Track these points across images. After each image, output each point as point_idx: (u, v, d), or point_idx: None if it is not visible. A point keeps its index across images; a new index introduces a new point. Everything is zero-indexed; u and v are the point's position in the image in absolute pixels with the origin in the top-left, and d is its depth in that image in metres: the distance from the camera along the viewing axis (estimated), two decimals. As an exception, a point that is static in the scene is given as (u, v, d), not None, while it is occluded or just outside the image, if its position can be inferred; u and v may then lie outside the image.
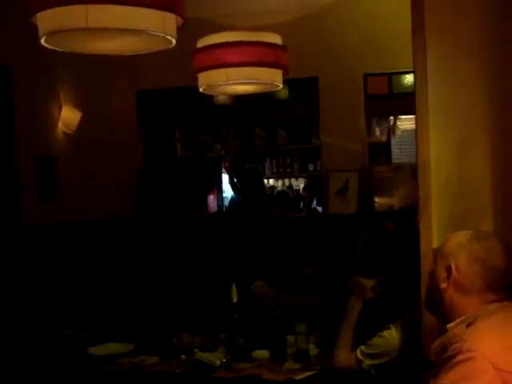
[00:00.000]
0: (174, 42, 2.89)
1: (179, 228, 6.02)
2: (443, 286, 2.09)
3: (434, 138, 2.59)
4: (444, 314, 2.10)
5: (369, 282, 3.03)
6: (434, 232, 2.50)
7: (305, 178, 9.18)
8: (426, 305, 2.25)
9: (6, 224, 5.45)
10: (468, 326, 1.97)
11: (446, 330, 2.06)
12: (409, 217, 4.48)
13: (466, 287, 2.06)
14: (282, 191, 9.13)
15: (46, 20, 2.71)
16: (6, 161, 5.75)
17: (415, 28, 2.62)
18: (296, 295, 3.92)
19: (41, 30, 2.76)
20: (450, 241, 2.17)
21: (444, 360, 1.89)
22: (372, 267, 3.25)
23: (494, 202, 2.51)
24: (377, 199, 6.76)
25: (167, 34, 2.80)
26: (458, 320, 2.04)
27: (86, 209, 6.55)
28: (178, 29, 2.87)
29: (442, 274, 2.10)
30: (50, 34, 2.77)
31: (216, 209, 7.71)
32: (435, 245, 2.42)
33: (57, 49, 2.97)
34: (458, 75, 2.60)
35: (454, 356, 1.86)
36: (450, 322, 2.06)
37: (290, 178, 9.41)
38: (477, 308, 2.02)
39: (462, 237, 2.15)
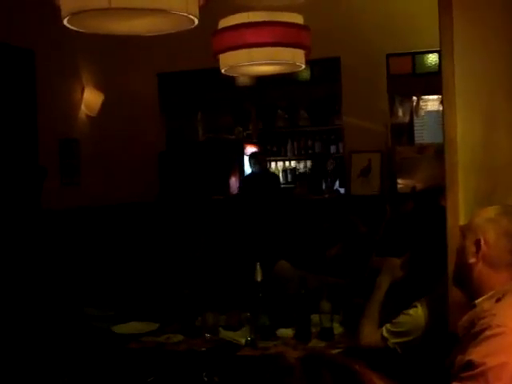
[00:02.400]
0: (196, 21, 2.87)
1: (201, 210, 6.03)
2: (472, 260, 2.08)
3: (460, 116, 2.57)
4: (472, 289, 2.10)
5: (397, 261, 3.03)
6: (460, 209, 2.49)
7: (327, 159, 9.16)
8: (455, 281, 2.24)
9: (29, 207, 5.49)
10: (497, 300, 1.96)
11: (474, 306, 2.05)
12: (430, 198, 4.46)
13: (495, 261, 2.05)
14: (302, 173, 9.13)
15: (69, 0, 2.70)
16: (30, 144, 5.79)
17: (442, 5, 2.59)
18: (319, 276, 3.92)
19: (63, 11, 2.75)
20: (479, 216, 2.16)
21: (472, 335, 1.88)
22: (396, 247, 3.25)
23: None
24: (400, 180, 6.72)
25: (190, 14, 2.78)
26: (487, 295, 2.03)
27: (108, 191, 6.58)
28: (200, 8, 2.86)
29: (471, 248, 2.09)
30: (73, 15, 2.75)
31: (238, 190, 7.73)
32: (462, 221, 2.41)
33: (79, 30, 2.95)
34: (485, 52, 2.57)
35: (483, 331, 1.85)
36: (478, 298, 2.05)
37: (311, 159, 9.40)
38: (505, 283, 2.02)
39: (490, 212, 2.14)
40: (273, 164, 9.67)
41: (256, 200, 6.69)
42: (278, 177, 8.82)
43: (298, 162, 9.53)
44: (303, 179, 8.47)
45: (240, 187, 7.61)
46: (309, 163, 9.37)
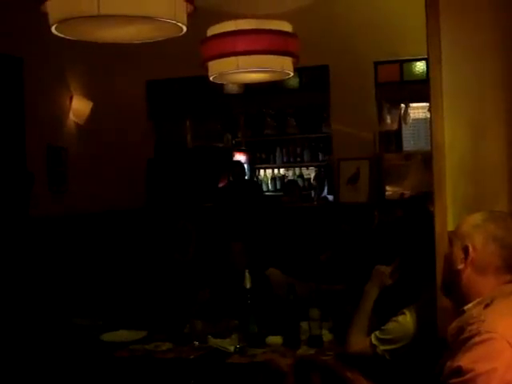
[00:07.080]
0: (184, 28, 2.87)
1: (190, 217, 6.02)
2: (460, 267, 2.08)
3: (448, 122, 2.58)
4: (461, 296, 2.09)
5: (386, 269, 3.02)
6: (448, 215, 2.50)
7: (315, 167, 9.18)
8: (443, 288, 2.24)
9: (16, 214, 5.47)
10: (486, 306, 1.96)
11: (463, 312, 2.05)
12: (419, 204, 4.48)
13: (483, 267, 2.05)
14: (291, 180, 9.13)
15: (57, 7, 2.68)
16: (18, 151, 5.77)
17: (430, 11, 2.60)
18: (309, 283, 3.92)
19: (51, 18, 2.73)
20: (466, 222, 2.16)
21: (461, 341, 1.88)
22: (384, 254, 3.25)
23: (509, 184, 2.50)
24: (388, 187, 6.75)
25: (178, 21, 2.78)
26: (475, 301, 2.02)
27: (96, 199, 6.56)
28: (188, 16, 2.86)
29: (459, 255, 2.09)
30: (61, 22, 2.74)
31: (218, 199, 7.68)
32: (450, 228, 2.42)
33: (67, 37, 2.94)
34: (473, 58, 2.58)
35: (471, 337, 1.84)
36: (466, 304, 2.05)
37: (300, 167, 9.42)
38: (494, 289, 2.01)
39: (477, 218, 2.14)
40: (261, 172, 9.68)
41: (236, 208, 6.69)
42: (258, 184, 8.83)
43: (287, 170, 9.54)
44: (291, 187, 8.47)
45: (220, 196, 7.54)
46: (297, 171, 9.38)
